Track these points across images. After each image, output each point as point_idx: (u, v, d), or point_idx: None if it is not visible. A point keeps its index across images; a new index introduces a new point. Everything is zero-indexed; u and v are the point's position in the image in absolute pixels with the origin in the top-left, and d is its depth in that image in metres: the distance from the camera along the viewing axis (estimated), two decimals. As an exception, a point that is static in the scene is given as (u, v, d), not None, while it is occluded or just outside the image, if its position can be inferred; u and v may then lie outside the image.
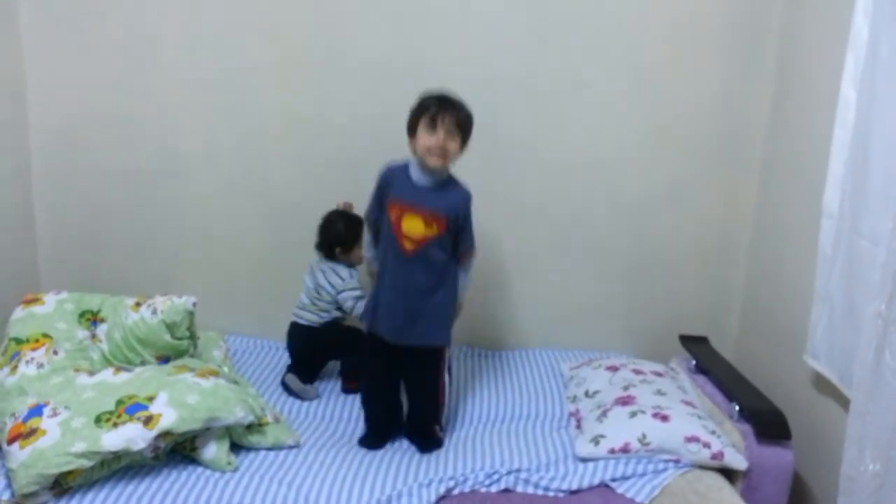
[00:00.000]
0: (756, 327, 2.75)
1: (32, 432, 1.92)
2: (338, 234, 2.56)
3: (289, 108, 2.77)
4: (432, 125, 2.10)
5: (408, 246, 2.14)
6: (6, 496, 1.88)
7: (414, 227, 2.14)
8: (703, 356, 2.57)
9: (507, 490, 2.01)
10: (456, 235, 2.20)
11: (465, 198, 2.21)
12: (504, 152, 2.77)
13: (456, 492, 1.98)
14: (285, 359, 2.73)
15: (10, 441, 1.92)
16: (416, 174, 2.17)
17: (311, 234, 2.81)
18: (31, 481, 1.83)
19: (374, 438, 2.25)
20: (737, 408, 2.23)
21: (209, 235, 2.88)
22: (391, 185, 2.19)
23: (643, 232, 2.85)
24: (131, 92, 2.76)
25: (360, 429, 2.32)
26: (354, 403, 2.45)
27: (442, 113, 2.10)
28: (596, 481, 2.03)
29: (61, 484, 1.89)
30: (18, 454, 1.88)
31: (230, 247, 2.89)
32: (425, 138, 2.10)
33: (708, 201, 2.82)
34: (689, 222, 2.84)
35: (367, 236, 2.35)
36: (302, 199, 2.82)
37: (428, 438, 2.26)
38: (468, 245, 2.27)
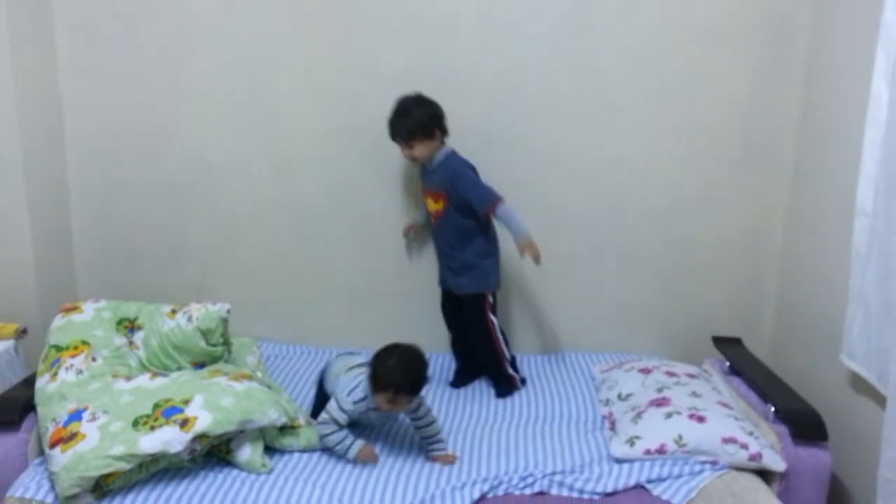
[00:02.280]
0: (790, 328, 2.72)
1: (73, 436, 1.96)
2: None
3: (317, 118, 2.81)
4: (393, 140, 2.57)
5: (432, 219, 2.67)
6: (49, 499, 1.92)
7: (429, 204, 2.65)
8: (736, 358, 2.54)
9: (541, 493, 2.00)
10: (464, 198, 2.53)
11: (452, 170, 2.54)
12: (533, 156, 2.79)
13: (490, 495, 1.98)
14: (316, 363, 2.76)
15: (52, 445, 1.97)
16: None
17: (340, 242, 2.85)
18: (72, 484, 1.87)
19: (456, 378, 2.71)
20: (772, 409, 2.20)
21: (241, 244, 2.93)
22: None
23: (674, 234, 2.83)
24: (164, 107, 2.82)
25: (384, 432, 2.34)
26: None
27: (392, 129, 2.55)
28: (631, 483, 2.01)
29: (101, 486, 1.93)
30: (60, 458, 1.92)
31: (262, 255, 2.93)
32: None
33: (739, 202, 2.80)
34: (721, 224, 2.82)
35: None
36: (332, 207, 2.86)
37: (499, 382, 2.62)
38: (480, 203, 2.52)
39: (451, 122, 2.59)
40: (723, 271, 2.86)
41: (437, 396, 2.57)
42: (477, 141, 2.71)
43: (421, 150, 2.53)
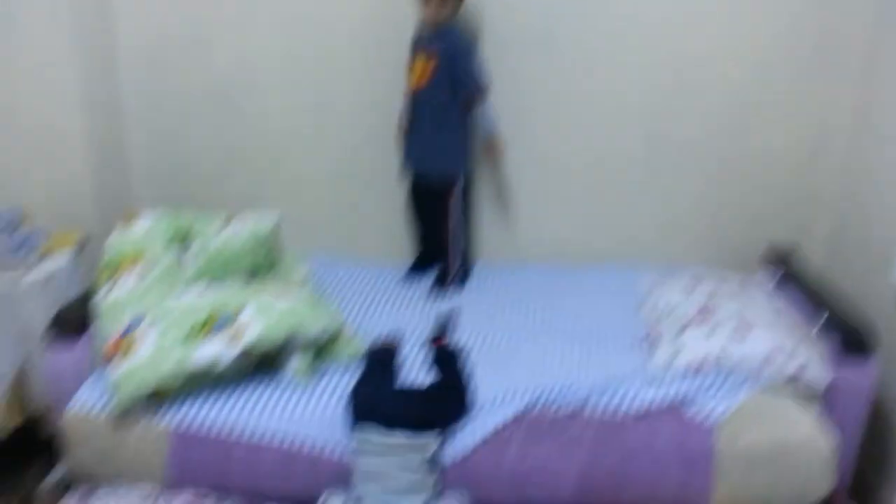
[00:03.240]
0: (846, 242, 2.61)
1: (129, 349, 2.05)
2: None
3: (364, 22, 2.73)
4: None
5: (411, 82, 2.58)
6: (108, 410, 2.03)
7: (418, 65, 2.54)
8: (789, 268, 2.47)
9: (578, 409, 2.01)
10: (451, 71, 2.49)
11: (458, 40, 2.50)
12: (586, 49, 2.67)
13: (527, 413, 2.00)
14: (364, 276, 2.80)
15: (109, 358, 2.06)
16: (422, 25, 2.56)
17: (390, 154, 2.81)
18: (129, 395, 1.98)
19: (413, 266, 2.82)
20: (821, 322, 2.15)
21: (290, 156, 2.93)
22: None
23: (732, 140, 2.70)
24: (214, 12, 2.77)
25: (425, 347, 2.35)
26: (423, 320, 2.50)
27: None
28: (669, 399, 2.01)
29: (156, 398, 2.03)
30: (116, 371, 2.02)
31: (312, 166, 2.93)
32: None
33: (802, 110, 2.64)
34: (782, 131, 2.67)
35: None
36: (383, 118, 2.81)
37: (439, 275, 2.72)
38: (474, 86, 2.53)
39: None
40: (780, 181, 2.73)
41: (475, 309, 2.57)
42: (525, 30, 2.63)
43: (436, 8, 2.46)
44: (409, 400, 2.00)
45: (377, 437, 1.88)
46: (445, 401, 2.00)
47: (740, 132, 2.70)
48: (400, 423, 1.89)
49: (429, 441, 1.89)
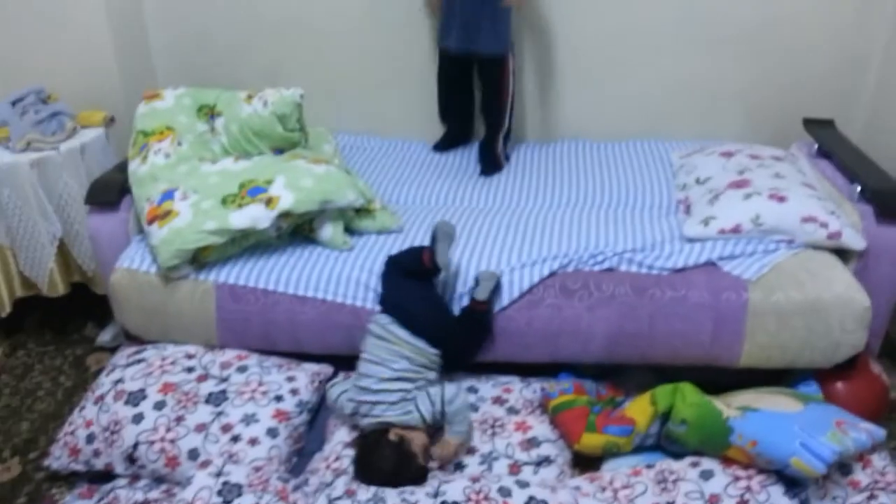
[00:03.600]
0: (887, 112, 2.53)
1: (167, 214, 2.09)
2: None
3: None
4: None
5: None
6: (153, 269, 2.09)
7: None
8: (827, 139, 2.41)
9: (610, 269, 2.04)
10: None
11: None
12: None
13: (560, 272, 2.03)
14: (390, 154, 2.80)
15: (150, 222, 2.11)
16: None
17: (412, 28, 2.74)
18: (172, 255, 2.03)
19: (443, 139, 2.80)
20: (858, 188, 2.12)
21: (311, 30, 2.86)
22: None
23: (768, 7, 2.59)
24: None
25: (457, 214, 2.35)
26: (451, 190, 2.53)
27: None
28: (702, 260, 2.02)
29: (199, 259, 2.09)
30: (158, 233, 2.07)
31: (335, 44, 2.87)
32: None
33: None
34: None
35: None
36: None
37: (488, 158, 2.66)
38: None
39: None
40: (821, 48, 2.63)
41: (510, 181, 2.57)
42: None
43: None
44: (438, 313, 1.98)
45: (395, 328, 1.90)
46: (463, 337, 2.00)
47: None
48: (420, 330, 1.90)
49: (435, 358, 1.92)
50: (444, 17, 2.58)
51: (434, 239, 1.98)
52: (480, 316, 1.98)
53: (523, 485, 1.65)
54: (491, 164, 2.66)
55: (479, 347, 2.02)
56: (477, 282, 1.99)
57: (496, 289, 1.99)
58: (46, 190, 2.37)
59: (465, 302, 2.00)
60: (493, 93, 2.64)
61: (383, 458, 1.75)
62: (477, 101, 2.77)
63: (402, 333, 1.89)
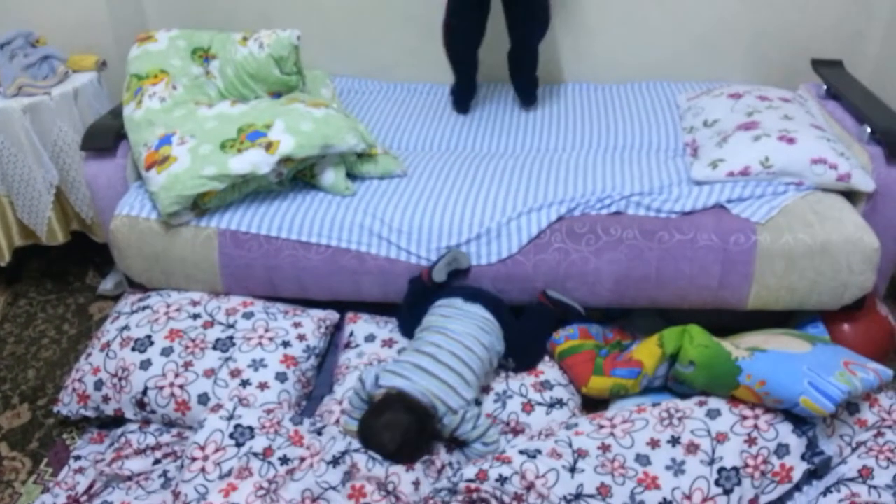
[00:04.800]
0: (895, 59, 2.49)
1: (166, 159, 2.05)
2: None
3: None
4: None
5: None
6: (153, 216, 2.06)
7: None
8: (835, 80, 2.37)
9: (618, 213, 2.02)
10: None
11: None
12: None
13: (567, 216, 2.01)
14: (389, 97, 2.74)
15: (148, 168, 2.07)
16: None
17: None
18: (172, 202, 2.00)
19: (461, 95, 2.59)
20: (868, 129, 2.09)
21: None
22: None
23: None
24: None
25: (462, 158, 2.33)
26: (454, 133, 2.48)
27: None
28: (711, 202, 2.00)
29: (199, 205, 2.06)
30: (157, 178, 2.03)
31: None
32: None
33: None
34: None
35: None
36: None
37: (531, 87, 2.59)
38: None
39: None
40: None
41: (514, 124, 2.53)
42: None
43: None
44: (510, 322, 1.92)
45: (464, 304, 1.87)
46: (526, 349, 1.95)
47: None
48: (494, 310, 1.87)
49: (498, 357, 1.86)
50: None
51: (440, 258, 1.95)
52: (547, 315, 1.98)
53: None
54: (533, 96, 2.61)
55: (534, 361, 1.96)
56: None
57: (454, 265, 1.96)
58: (40, 136, 2.32)
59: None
60: (536, 11, 2.41)
61: (398, 418, 1.61)
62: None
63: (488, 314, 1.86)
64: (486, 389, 1.84)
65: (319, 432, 1.72)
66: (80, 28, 2.64)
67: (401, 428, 1.59)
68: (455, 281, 1.99)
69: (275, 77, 2.31)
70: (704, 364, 1.73)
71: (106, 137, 2.17)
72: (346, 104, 2.71)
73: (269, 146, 2.04)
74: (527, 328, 1.95)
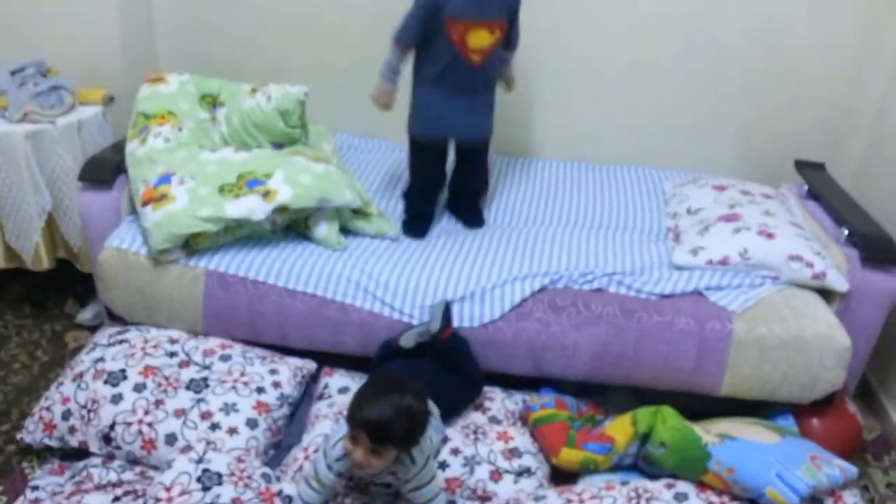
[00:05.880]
0: (879, 158, 2.60)
1: (163, 197, 2.08)
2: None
3: None
4: None
5: (475, 58, 2.16)
6: (143, 251, 2.08)
7: (481, 39, 2.14)
8: (817, 182, 2.47)
9: (599, 289, 2.06)
10: (509, 32, 2.23)
11: None
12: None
13: (550, 287, 2.05)
14: (390, 158, 2.80)
15: (144, 203, 2.10)
16: None
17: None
18: (164, 239, 2.02)
19: (419, 223, 2.37)
20: (845, 232, 2.17)
21: (317, 30, 2.87)
22: (442, 5, 2.08)
23: (770, 47, 2.65)
24: None
25: (452, 224, 2.40)
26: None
27: None
28: (690, 288, 2.05)
29: (191, 245, 2.08)
30: (152, 215, 2.05)
31: (339, 42, 2.88)
32: None
33: (847, 18, 2.58)
34: (819, 44, 2.62)
35: (391, 59, 2.23)
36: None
37: (475, 215, 2.44)
38: (517, 36, 2.30)
39: None
40: (816, 91, 2.70)
41: (503, 196, 2.58)
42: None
43: None
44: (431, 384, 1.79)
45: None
46: (463, 392, 1.97)
47: (775, 43, 2.65)
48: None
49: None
50: (423, 108, 2.30)
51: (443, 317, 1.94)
52: (447, 343, 1.94)
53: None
54: (479, 220, 2.43)
55: (471, 365, 1.99)
56: (431, 317, 1.96)
57: (447, 314, 1.94)
58: (39, 162, 2.34)
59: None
60: (483, 169, 2.47)
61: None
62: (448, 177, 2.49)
63: None
64: (454, 452, 1.83)
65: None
66: (92, 61, 2.70)
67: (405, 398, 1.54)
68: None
69: (279, 129, 2.37)
70: (675, 446, 1.75)
71: (105, 170, 2.21)
72: (346, 160, 2.77)
73: (266, 194, 2.08)
74: (451, 368, 1.93)
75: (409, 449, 1.60)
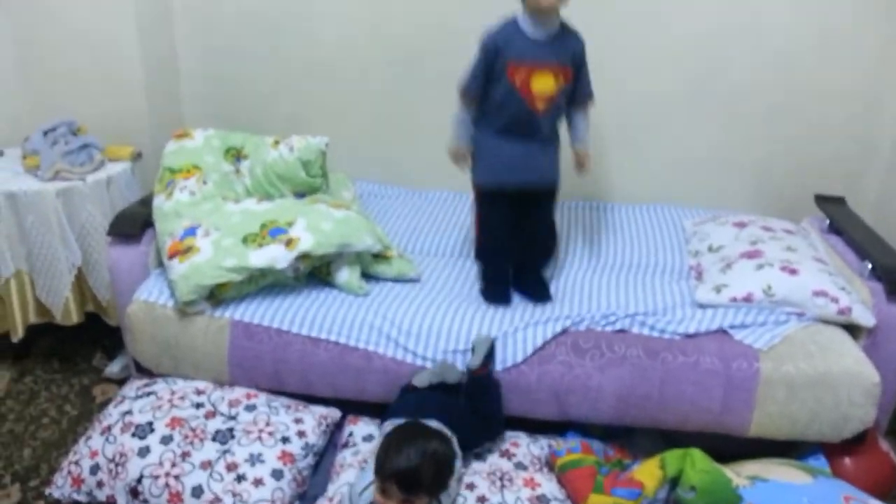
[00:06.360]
0: (897, 196, 2.60)
1: (189, 249, 2.13)
2: None
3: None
4: None
5: (541, 106, 2.08)
6: (170, 303, 2.12)
7: (545, 84, 2.06)
8: (838, 216, 2.46)
9: (622, 330, 2.06)
10: (575, 82, 2.15)
11: (582, 40, 2.12)
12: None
13: (572, 330, 2.06)
14: (407, 202, 2.84)
15: (171, 256, 2.14)
16: (530, 29, 2.03)
17: (434, 83, 2.82)
18: (190, 290, 2.06)
19: (500, 287, 2.23)
20: (869, 266, 2.15)
21: (337, 81, 2.94)
22: (504, 49, 2.04)
23: (786, 82, 2.67)
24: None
25: (474, 266, 2.37)
26: (469, 242, 2.52)
27: None
28: (714, 327, 2.04)
29: (216, 295, 2.11)
30: (178, 267, 2.10)
31: (356, 93, 2.95)
32: None
33: (861, 52, 2.60)
34: (838, 74, 2.64)
35: (461, 114, 2.16)
36: (427, 45, 2.81)
37: (541, 287, 2.24)
38: (589, 90, 2.21)
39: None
40: (834, 125, 2.70)
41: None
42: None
43: None
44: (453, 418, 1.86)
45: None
46: (481, 430, 1.94)
47: (793, 77, 2.67)
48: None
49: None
50: (490, 155, 2.18)
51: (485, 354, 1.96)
52: (480, 380, 1.95)
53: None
54: (545, 292, 2.23)
55: (495, 408, 1.98)
56: (473, 349, 1.99)
57: (491, 353, 1.97)
58: (69, 218, 2.42)
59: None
60: (549, 224, 2.34)
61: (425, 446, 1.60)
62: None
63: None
64: (481, 500, 1.82)
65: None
66: (120, 120, 2.79)
67: (428, 446, 1.60)
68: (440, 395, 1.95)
69: (301, 179, 2.42)
70: (705, 490, 1.72)
71: (133, 224, 2.26)
72: (366, 207, 2.81)
73: (289, 242, 2.12)
74: (476, 406, 1.93)
75: (439, 495, 1.59)
